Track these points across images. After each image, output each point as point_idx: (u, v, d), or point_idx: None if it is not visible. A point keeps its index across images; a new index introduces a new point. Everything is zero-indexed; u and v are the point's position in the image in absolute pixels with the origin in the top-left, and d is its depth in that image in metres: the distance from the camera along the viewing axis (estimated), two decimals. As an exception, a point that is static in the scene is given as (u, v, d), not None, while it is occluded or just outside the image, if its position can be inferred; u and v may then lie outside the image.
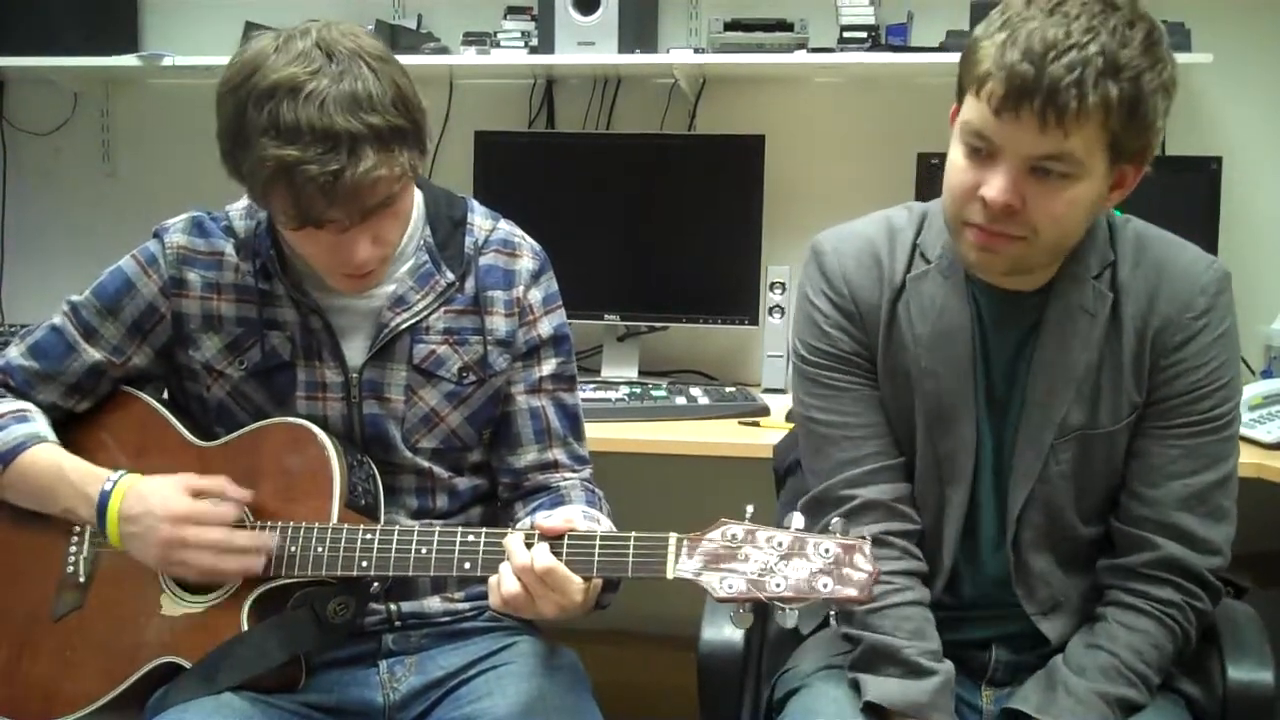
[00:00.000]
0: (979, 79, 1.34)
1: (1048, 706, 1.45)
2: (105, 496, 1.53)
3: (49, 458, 1.58)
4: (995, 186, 1.34)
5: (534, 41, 2.79)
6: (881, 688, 1.47)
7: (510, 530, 1.45)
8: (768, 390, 2.68)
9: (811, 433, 1.59)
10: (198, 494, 1.53)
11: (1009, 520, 1.54)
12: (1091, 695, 1.44)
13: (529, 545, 1.40)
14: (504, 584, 1.39)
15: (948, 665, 1.50)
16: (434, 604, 1.66)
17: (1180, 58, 2.48)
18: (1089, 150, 1.33)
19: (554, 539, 1.40)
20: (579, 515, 1.55)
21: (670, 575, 1.37)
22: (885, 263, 1.54)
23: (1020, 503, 1.53)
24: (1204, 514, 1.49)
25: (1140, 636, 1.47)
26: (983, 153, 1.36)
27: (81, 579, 1.60)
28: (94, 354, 1.64)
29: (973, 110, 1.36)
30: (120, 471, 1.56)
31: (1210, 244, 2.53)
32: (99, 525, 1.54)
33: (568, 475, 1.70)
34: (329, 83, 1.41)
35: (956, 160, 1.40)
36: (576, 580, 1.39)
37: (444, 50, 2.85)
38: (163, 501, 1.51)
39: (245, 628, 1.51)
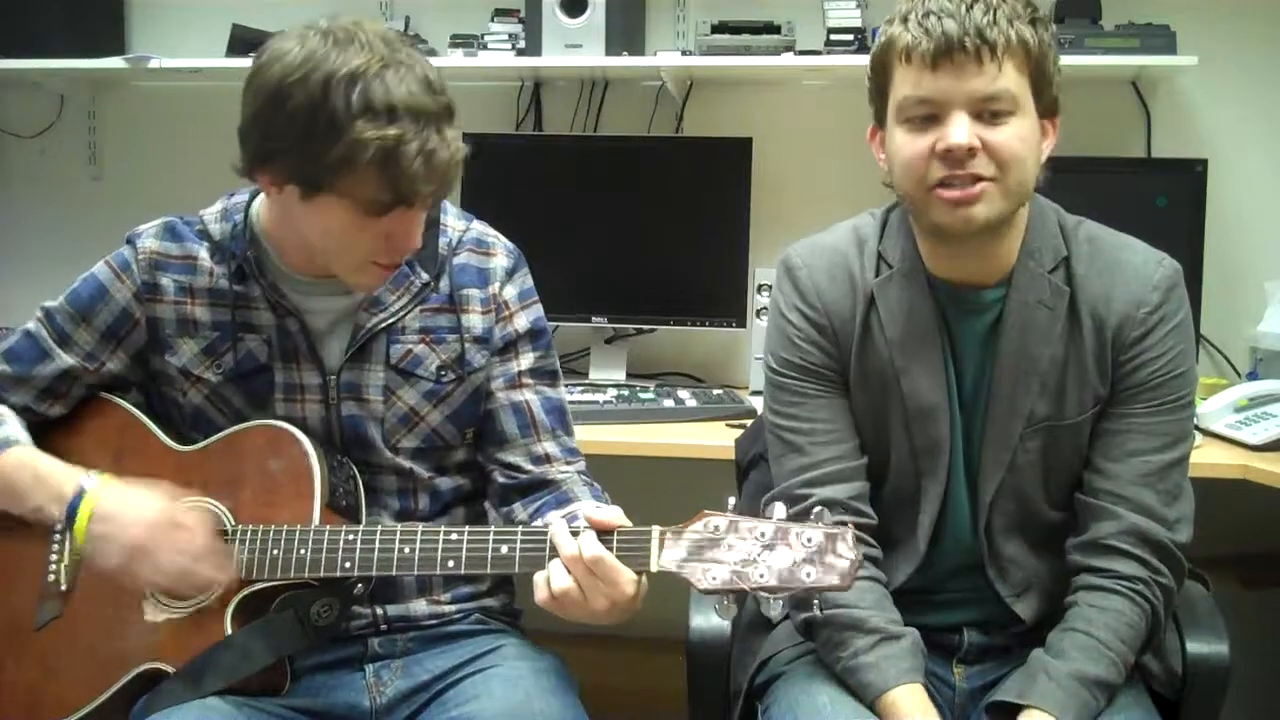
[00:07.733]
0: (903, 51, 1.45)
1: (1028, 692, 1.48)
2: (80, 492, 1.52)
3: (20, 458, 1.58)
4: (954, 132, 1.44)
5: (521, 44, 2.79)
6: (882, 673, 1.49)
7: (544, 524, 1.44)
8: (755, 392, 2.66)
9: (778, 438, 1.65)
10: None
11: (980, 508, 1.60)
12: (1070, 679, 1.47)
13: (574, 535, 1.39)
14: (554, 579, 1.39)
15: (913, 631, 1.55)
16: (420, 607, 1.66)
17: (1166, 60, 2.54)
18: (1019, 86, 1.46)
19: (603, 533, 1.39)
20: (592, 510, 1.53)
21: (654, 568, 1.37)
22: (857, 275, 1.61)
23: (991, 492, 1.59)
24: (1163, 491, 1.55)
25: (1113, 615, 1.51)
26: (927, 119, 1.46)
27: (63, 587, 1.58)
28: (67, 360, 1.63)
29: (907, 82, 1.47)
30: (104, 473, 1.55)
31: (1196, 246, 2.53)
32: (66, 522, 1.53)
33: (562, 468, 1.70)
34: (405, 68, 1.43)
35: (901, 140, 1.49)
36: (627, 572, 1.38)
37: (431, 53, 2.83)
38: (141, 505, 1.51)
39: (229, 632, 1.50)
